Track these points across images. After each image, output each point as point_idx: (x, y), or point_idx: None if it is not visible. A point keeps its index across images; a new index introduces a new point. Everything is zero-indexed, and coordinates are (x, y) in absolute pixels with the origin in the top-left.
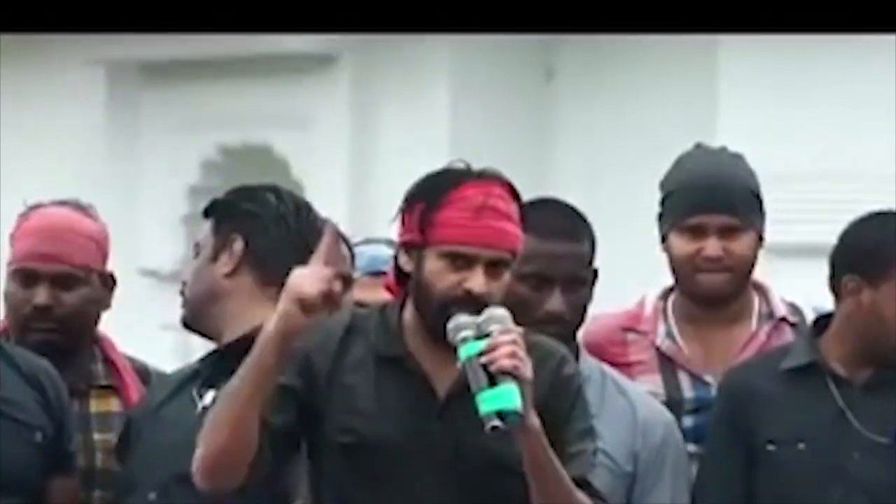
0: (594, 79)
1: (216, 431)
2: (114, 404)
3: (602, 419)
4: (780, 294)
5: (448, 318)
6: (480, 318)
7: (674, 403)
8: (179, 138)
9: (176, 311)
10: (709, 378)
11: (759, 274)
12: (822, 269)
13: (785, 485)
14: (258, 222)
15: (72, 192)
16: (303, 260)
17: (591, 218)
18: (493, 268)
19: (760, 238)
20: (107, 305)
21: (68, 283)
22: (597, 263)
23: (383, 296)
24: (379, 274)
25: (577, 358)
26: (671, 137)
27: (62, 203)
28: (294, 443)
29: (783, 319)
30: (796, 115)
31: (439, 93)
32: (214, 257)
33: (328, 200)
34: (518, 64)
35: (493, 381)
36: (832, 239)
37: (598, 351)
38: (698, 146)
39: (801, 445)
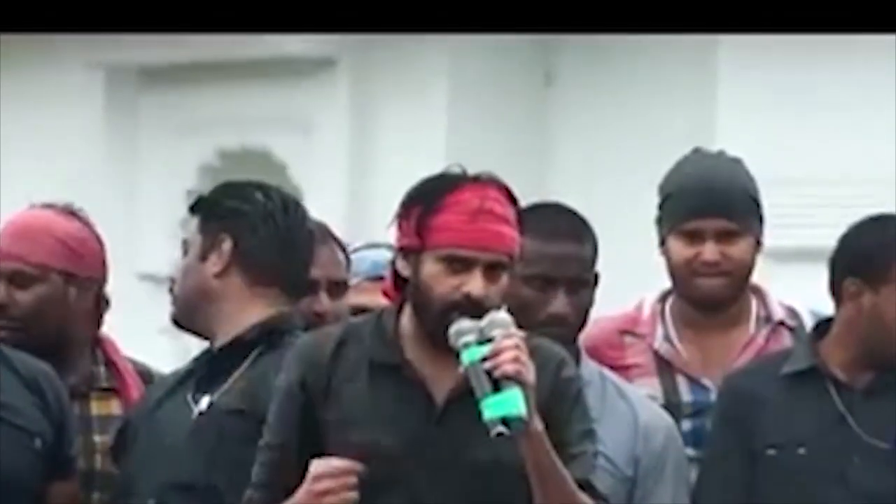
0: (593, 81)
1: None
2: (115, 407)
3: (603, 423)
4: (779, 298)
5: (448, 323)
6: (483, 323)
7: (672, 407)
8: (178, 142)
9: None
10: (707, 382)
11: (757, 278)
12: (822, 273)
13: (785, 489)
14: (246, 221)
15: (70, 196)
16: (291, 258)
17: (589, 221)
18: (491, 271)
19: (759, 242)
20: (86, 307)
21: (23, 282)
22: (596, 267)
23: (385, 301)
24: (381, 279)
25: (578, 361)
26: (670, 141)
27: (49, 206)
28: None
29: (781, 323)
30: (796, 118)
31: (438, 96)
32: (203, 257)
33: (327, 204)
34: (517, 67)
35: (496, 386)
36: (831, 243)
37: (596, 354)
38: (697, 150)
39: (802, 450)
